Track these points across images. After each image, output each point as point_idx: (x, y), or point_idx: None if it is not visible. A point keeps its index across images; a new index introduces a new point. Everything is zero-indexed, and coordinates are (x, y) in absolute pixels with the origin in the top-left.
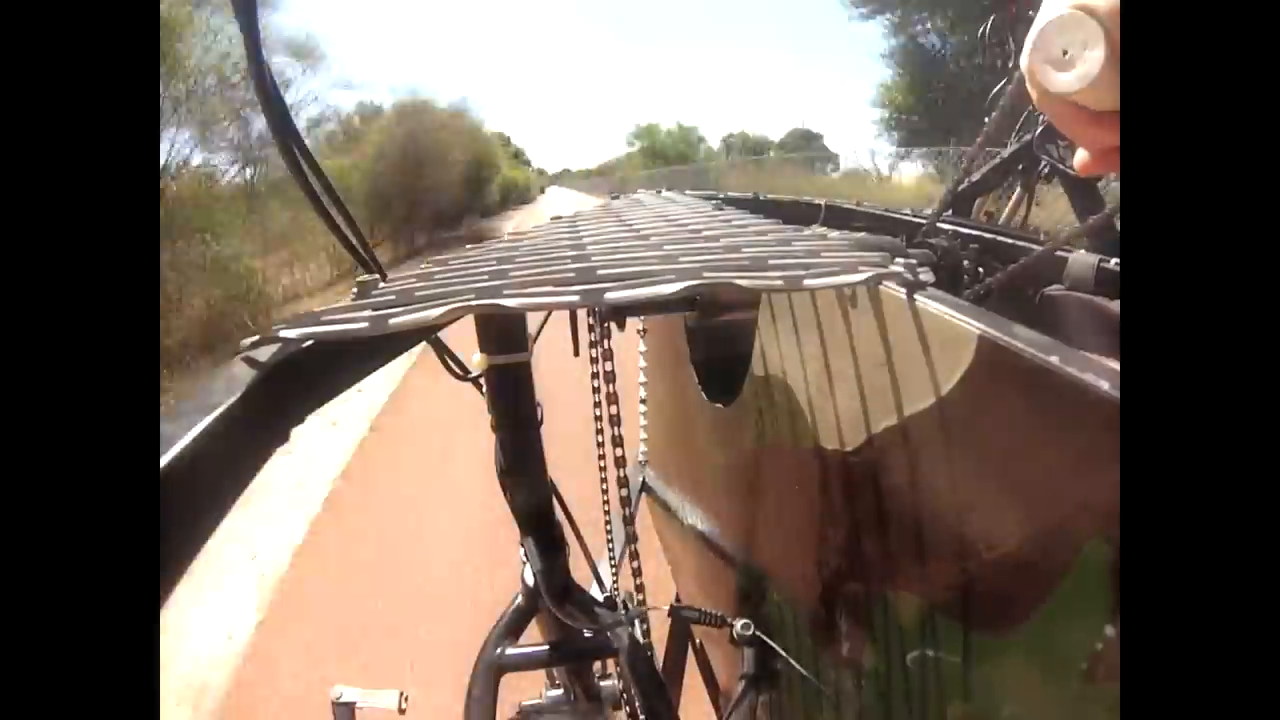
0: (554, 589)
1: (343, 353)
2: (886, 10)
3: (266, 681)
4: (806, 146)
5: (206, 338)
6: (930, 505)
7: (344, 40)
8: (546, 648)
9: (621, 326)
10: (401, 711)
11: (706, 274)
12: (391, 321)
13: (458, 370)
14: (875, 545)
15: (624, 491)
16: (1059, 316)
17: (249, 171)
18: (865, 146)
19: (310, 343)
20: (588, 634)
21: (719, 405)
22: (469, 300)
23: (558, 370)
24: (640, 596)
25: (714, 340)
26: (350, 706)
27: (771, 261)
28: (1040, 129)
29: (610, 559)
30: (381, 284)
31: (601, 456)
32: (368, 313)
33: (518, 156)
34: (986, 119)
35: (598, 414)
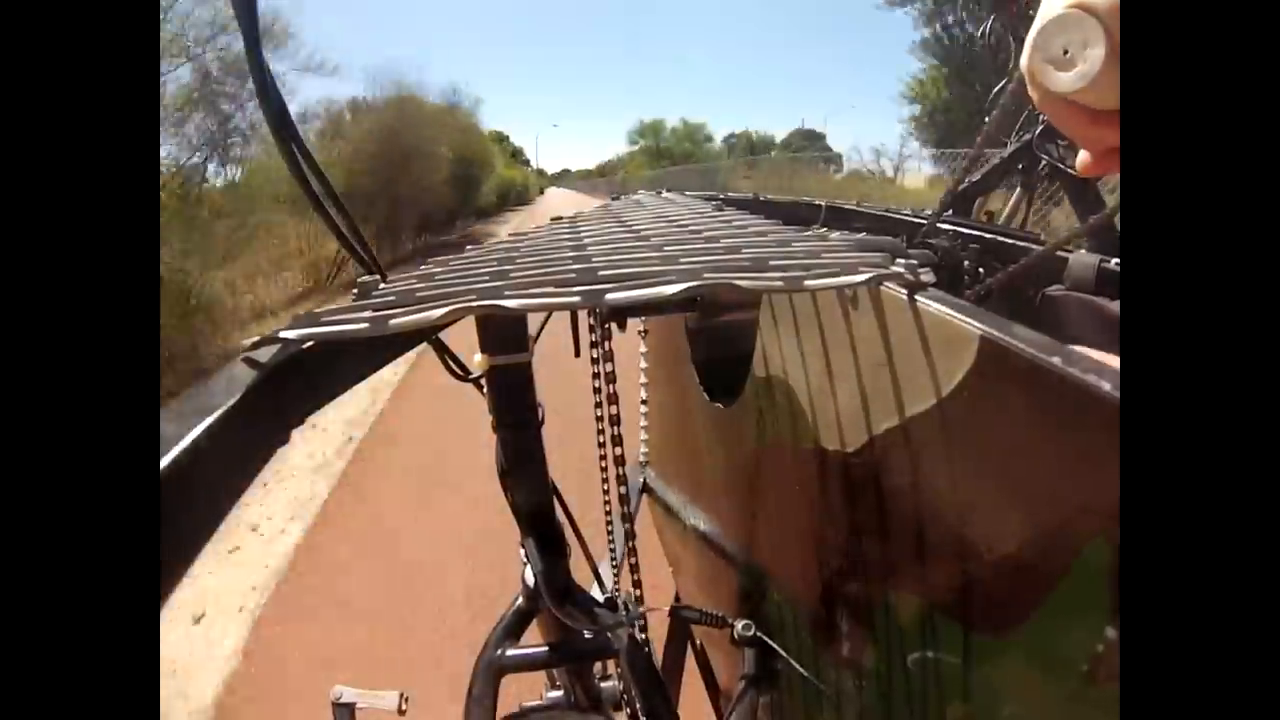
0: (554, 590)
1: (343, 353)
2: None
3: None
4: (810, 146)
5: None
6: (931, 506)
7: (319, 22)
8: (547, 648)
9: (622, 327)
10: (401, 712)
11: (707, 275)
12: (392, 322)
13: (459, 371)
14: (876, 546)
15: (624, 492)
16: (1060, 317)
17: (210, 167)
18: (869, 145)
19: (310, 343)
20: (588, 635)
21: (720, 406)
22: (470, 301)
23: (558, 371)
24: (640, 595)
25: (715, 341)
26: (350, 707)
27: (772, 262)
28: (1040, 129)
29: (611, 560)
30: (382, 285)
31: (602, 457)
32: (368, 314)
33: (516, 156)
34: (987, 118)
35: (598, 414)
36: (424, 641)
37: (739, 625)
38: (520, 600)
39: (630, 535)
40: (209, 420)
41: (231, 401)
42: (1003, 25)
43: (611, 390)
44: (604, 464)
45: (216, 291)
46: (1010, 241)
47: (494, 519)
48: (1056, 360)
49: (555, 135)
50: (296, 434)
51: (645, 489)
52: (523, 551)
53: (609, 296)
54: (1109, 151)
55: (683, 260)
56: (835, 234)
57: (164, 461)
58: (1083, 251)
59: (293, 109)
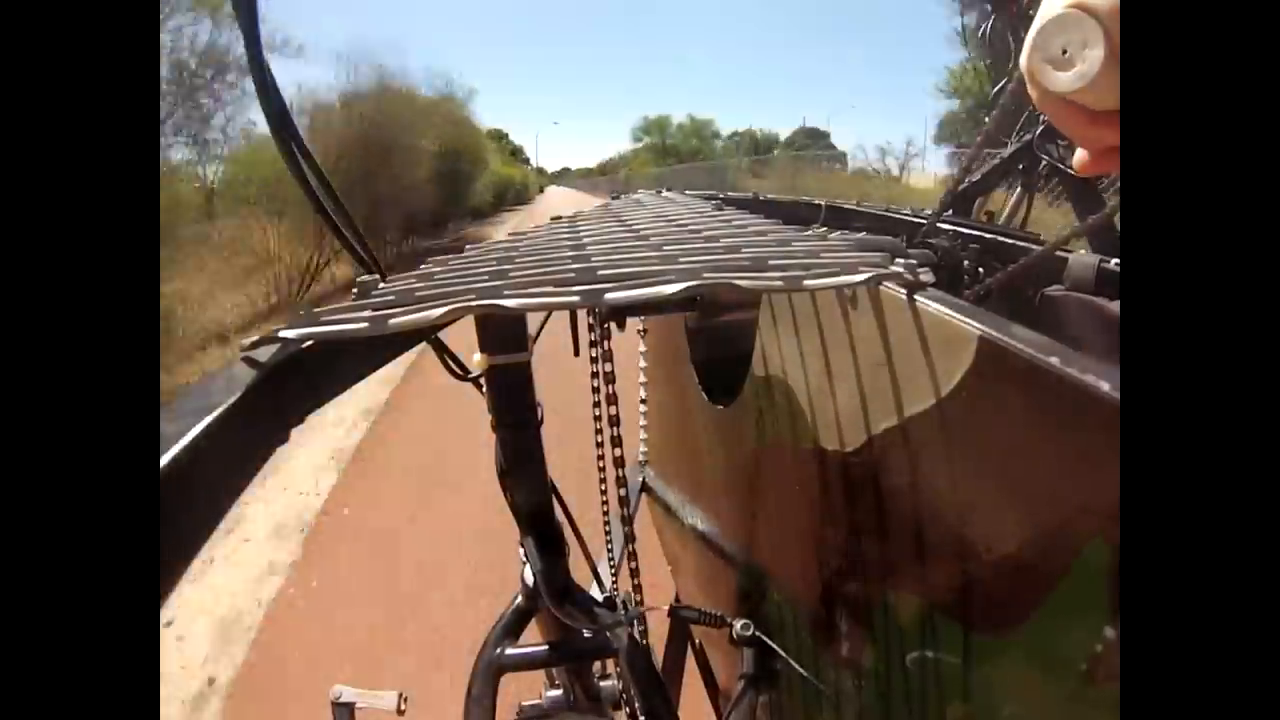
0: (554, 589)
1: (343, 352)
2: None
3: None
4: (813, 145)
5: None
6: (930, 506)
7: (313, 20)
8: (546, 648)
9: (622, 327)
10: (400, 712)
11: (706, 274)
12: (391, 322)
13: (458, 370)
14: (875, 545)
15: (623, 491)
16: (1059, 317)
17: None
18: (873, 144)
19: (310, 343)
20: (587, 634)
21: (719, 405)
22: (469, 300)
23: (557, 371)
24: (639, 596)
25: (714, 340)
26: (350, 707)
27: (771, 262)
28: (1040, 129)
29: (610, 559)
30: (381, 284)
31: (601, 456)
32: (368, 313)
33: (516, 154)
34: (988, 118)
35: (597, 414)
36: None
37: (738, 625)
38: (519, 599)
39: (629, 535)
40: (209, 419)
41: (231, 401)
42: (1003, 25)
43: (611, 390)
44: (603, 463)
45: (167, 307)
46: (1010, 241)
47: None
48: (1055, 360)
49: (555, 134)
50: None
51: (644, 488)
52: (522, 551)
53: (608, 296)
54: (1108, 151)
55: (682, 260)
56: (835, 234)
57: (163, 460)
58: (1082, 251)
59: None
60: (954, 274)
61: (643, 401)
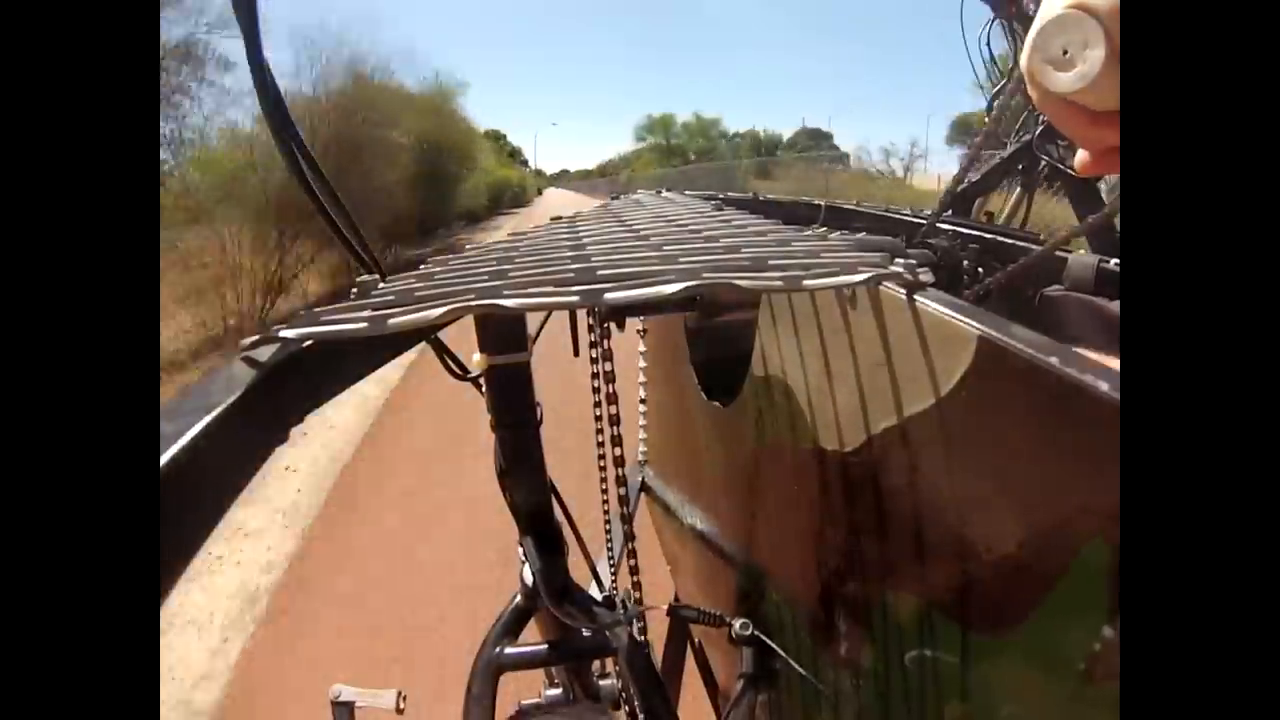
0: (553, 588)
1: (342, 352)
2: None
3: None
4: (816, 146)
5: None
6: (929, 505)
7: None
8: (545, 647)
9: (621, 327)
10: (400, 711)
11: (706, 274)
12: (391, 322)
13: (457, 370)
14: (874, 545)
15: (623, 491)
16: (1058, 317)
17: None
18: (877, 145)
19: (309, 343)
20: (587, 633)
21: (718, 405)
22: (469, 300)
23: (556, 371)
24: (639, 594)
25: (714, 340)
26: (349, 706)
27: (771, 262)
28: (1040, 129)
29: (609, 559)
30: (381, 284)
31: (601, 456)
32: (367, 313)
33: (514, 156)
34: (988, 119)
35: (597, 414)
36: None
37: (737, 624)
38: (519, 599)
39: (629, 534)
40: (208, 419)
41: (230, 400)
42: (1003, 25)
43: (610, 390)
44: (603, 463)
45: None
46: (1010, 241)
47: None
48: (1055, 360)
49: (554, 136)
50: None
51: (644, 488)
52: (521, 550)
53: (608, 296)
54: (1108, 151)
55: (682, 260)
56: (834, 234)
57: (163, 460)
58: (1082, 252)
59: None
60: (953, 274)
61: (642, 401)
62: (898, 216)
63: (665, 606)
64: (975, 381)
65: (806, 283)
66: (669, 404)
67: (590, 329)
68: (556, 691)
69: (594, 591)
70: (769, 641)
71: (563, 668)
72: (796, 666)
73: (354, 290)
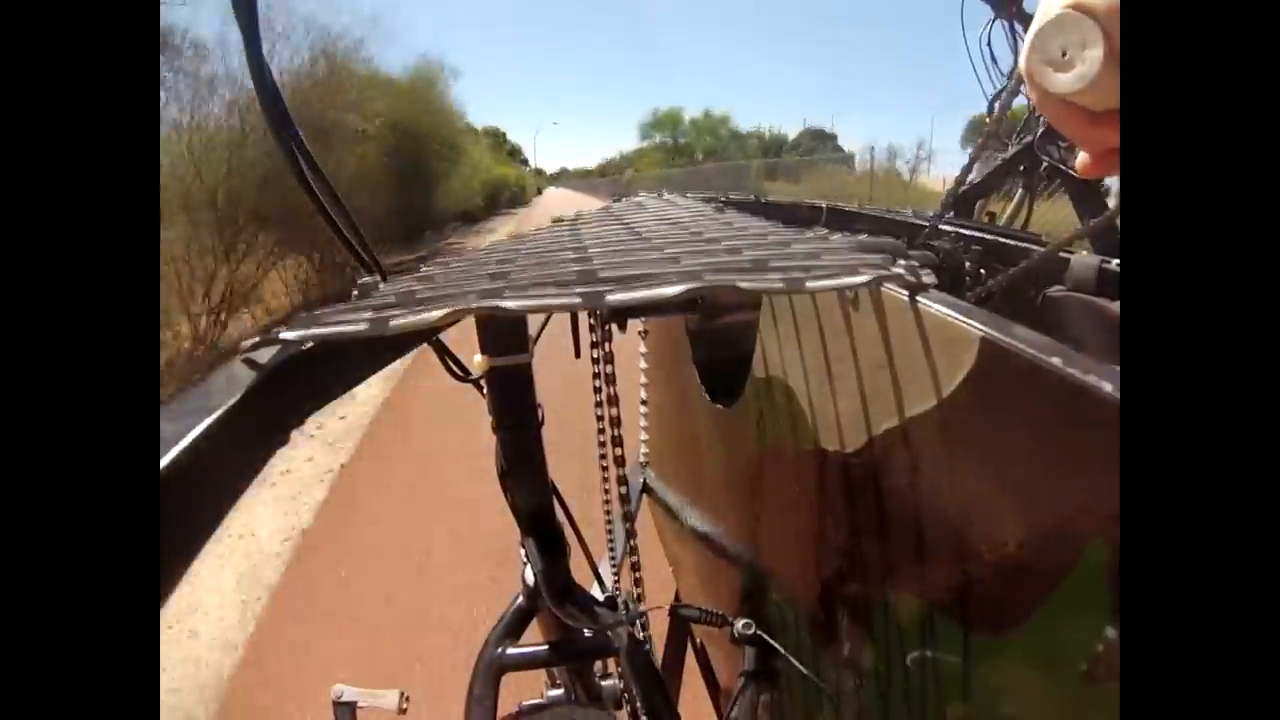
0: (555, 589)
1: (343, 354)
2: None
3: None
4: (820, 146)
5: None
6: (931, 506)
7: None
8: (547, 647)
9: (623, 328)
10: (402, 711)
11: (707, 276)
12: (392, 323)
13: (459, 372)
14: (876, 546)
15: (624, 492)
16: (1061, 318)
17: None
18: (883, 145)
19: (310, 344)
20: (588, 634)
21: (720, 406)
22: (470, 302)
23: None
24: (640, 594)
25: (715, 342)
26: (351, 706)
27: (773, 263)
28: (1041, 130)
29: (611, 559)
30: (382, 285)
31: (603, 457)
32: (368, 314)
33: (513, 155)
34: (989, 119)
35: (599, 414)
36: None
37: (739, 624)
38: (520, 599)
39: (630, 535)
40: (209, 420)
41: (231, 401)
42: (1004, 25)
43: (612, 391)
44: (604, 464)
45: None
46: (1012, 243)
47: None
48: (1057, 361)
49: (554, 136)
50: None
51: (645, 489)
52: (523, 551)
53: (609, 298)
54: (1108, 152)
55: (683, 261)
56: (836, 235)
57: (164, 461)
58: (1084, 253)
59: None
60: (956, 275)
61: (643, 403)
62: (899, 218)
63: (667, 607)
64: (977, 383)
65: (808, 284)
66: (670, 405)
67: (591, 330)
68: (558, 692)
69: (596, 592)
70: (771, 641)
71: (564, 668)
72: (798, 666)
73: (355, 291)
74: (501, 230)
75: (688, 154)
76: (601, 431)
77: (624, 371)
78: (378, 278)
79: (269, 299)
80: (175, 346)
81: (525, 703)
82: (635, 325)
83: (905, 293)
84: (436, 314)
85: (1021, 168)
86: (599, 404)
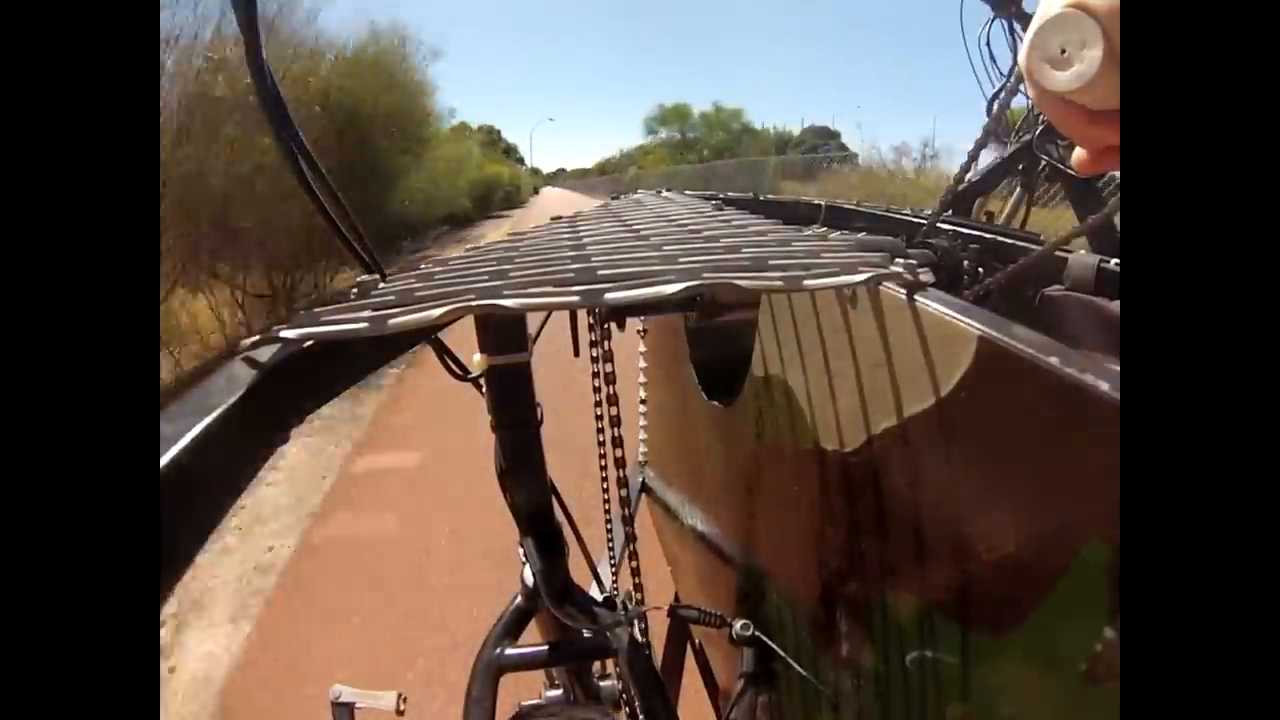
0: (554, 589)
1: (343, 352)
2: None
3: None
4: (824, 144)
5: None
6: (929, 506)
7: None
8: (546, 648)
9: (622, 327)
10: (400, 713)
11: (706, 274)
12: (391, 322)
13: (458, 370)
14: (874, 546)
15: (624, 492)
16: (1059, 317)
17: None
18: (888, 144)
19: (310, 343)
20: (587, 634)
21: (719, 405)
22: (469, 301)
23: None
24: (639, 595)
25: (714, 340)
26: (349, 707)
27: (771, 262)
28: (1040, 129)
29: (610, 559)
30: (381, 284)
31: (602, 457)
32: (368, 313)
33: (509, 153)
34: (988, 118)
35: (598, 414)
36: None
37: (738, 624)
38: (519, 599)
39: (630, 535)
40: (209, 419)
41: (231, 401)
42: (1004, 24)
43: (611, 390)
44: (603, 464)
45: None
46: (1010, 241)
47: None
48: (1055, 360)
49: (552, 135)
50: None
51: (644, 489)
52: (521, 551)
53: (608, 296)
54: (1106, 150)
55: (682, 260)
56: (835, 234)
57: (164, 461)
58: (1082, 252)
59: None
60: (954, 274)
61: (642, 402)
62: (898, 216)
63: (666, 607)
64: (975, 381)
65: (807, 283)
66: (669, 404)
67: (591, 329)
68: (557, 692)
69: (595, 592)
70: (769, 642)
71: (563, 669)
72: (797, 667)
73: (354, 290)
74: (493, 236)
75: (695, 150)
76: (600, 431)
77: (623, 371)
78: (377, 276)
79: (188, 317)
80: None
81: (524, 703)
82: (634, 324)
83: (903, 291)
84: (436, 313)
85: (1020, 166)
86: (598, 403)
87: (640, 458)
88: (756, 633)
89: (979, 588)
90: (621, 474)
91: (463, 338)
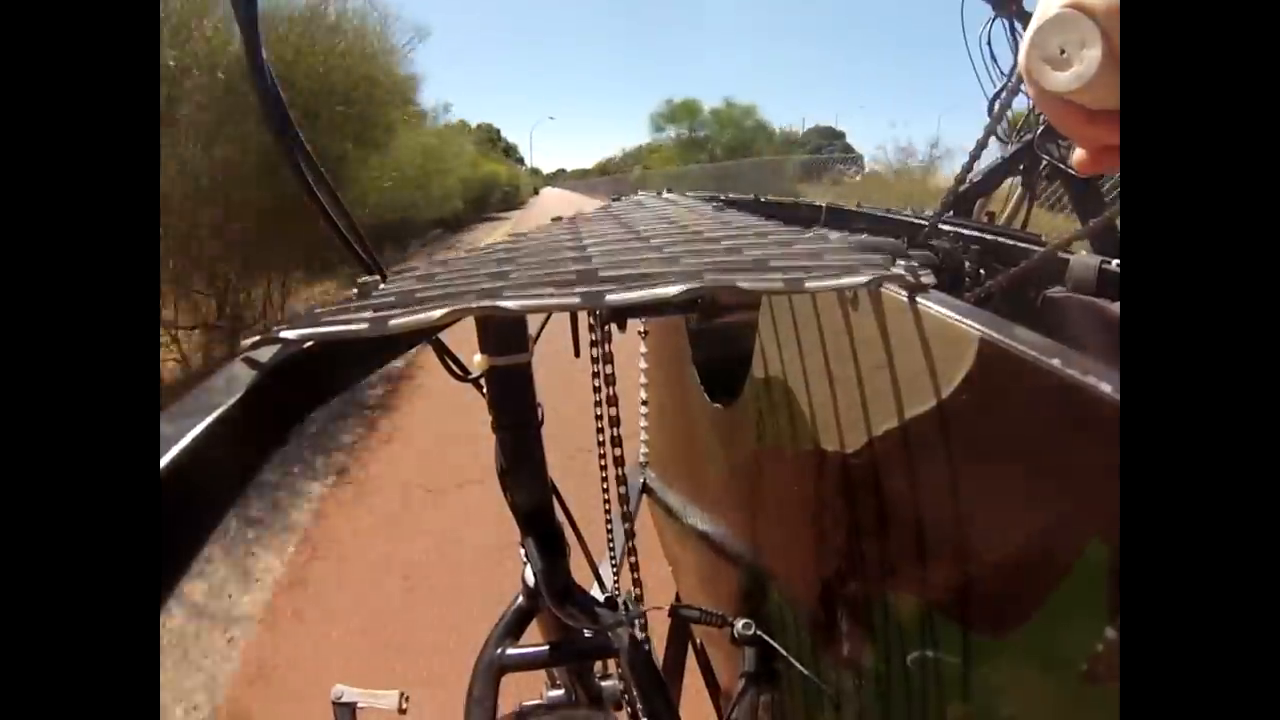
0: (555, 589)
1: (342, 353)
2: None
3: None
4: (829, 145)
5: None
6: (931, 507)
7: None
8: (547, 648)
9: (622, 328)
10: (402, 712)
11: (707, 276)
12: (392, 323)
13: (458, 371)
14: (875, 546)
15: (624, 492)
16: (1060, 318)
17: None
18: (894, 145)
19: (310, 344)
20: (588, 634)
21: (720, 406)
22: (470, 302)
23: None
24: (640, 595)
25: (715, 341)
26: (351, 707)
27: (773, 263)
28: (1041, 129)
29: (611, 559)
30: (382, 285)
31: (602, 457)
32: (368, 314)
33: (508, 153)
34: (990, 118)
35: (598, 414)
36: None
37: (739, 624)
38: (520, 599)
39: (630, 535)
40: (208, 420)
41: (231, 401)
42: (1004, 24)
43: (611, 392)
44: (604, 465)
45: None
46: (1011, 243)
47: None
48: (1056, 362)
49: (553, 136)
50: None
51: (645, 490)
52: (522, 551)
53: (609, 298)
54: (1105, 149)
55: (683, 261)
56: (836, 235)
57: (164, 461)
58: (1084, 253)
59: None
60: (955, 275)
61: (643, 403)
62: (899, 218)
63: (667, 607)
64: (977, 383)
65: (808, 284)
66: (670, 405)
67: (591, 330)
68: (558, 692)
69: (596, 592)
70: (771, 641)
71: (564, 668)
72: (798, 666)
73: (354, 290)
74: (489, 239)
75: (707, 149)
76: (600, 432)
77: (623, 371)
78: (377, 277)
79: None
80: None
81: (525, 703)
82: (635, 325)
83: (905, 293)
84: (436, 313)
85: (1021, 167)
86: (598, 404)
87: (641, 459)
88: (758, 632)
89: (980, 588)
90: (622, 475)
91: (463, 338)
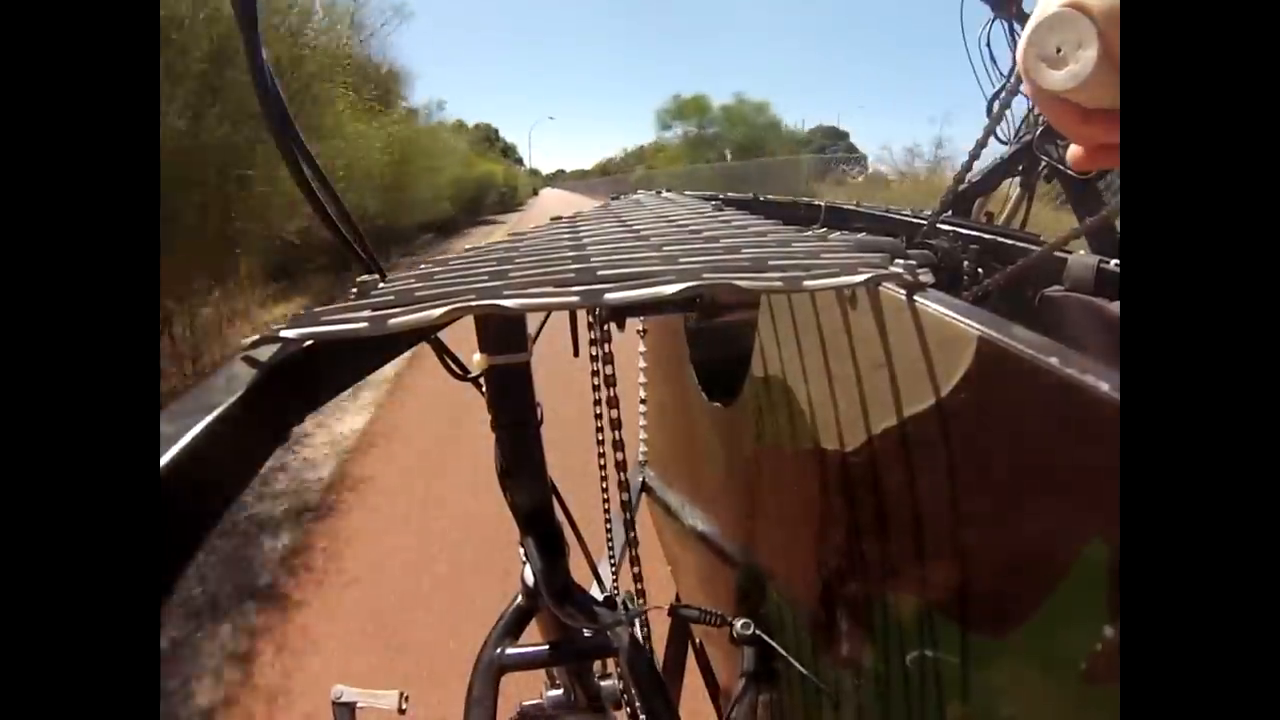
0: (554, 589)
1: (342, 352)
2: None
3: None
4: (833, 145)
5: None
6: (929, 506)
7: None
8: (547, 648)
9: (621, 327)
10: (401, 712)
11: (706, 275)
12: (391, 322)
13: (457, 370)
14: (875, 545)
15: (624, 492)
16: (1059, 317)
17: None
18: (899, 145)
19: (310, 342)
20: (588, 634)
21: (719, 406)
22: (469, 301)
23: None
24: (640, 589)
25: (714, 341)
26: (350, 707)
27: (771, 262)
28: (1040, 129)
29: (610, 559)
30: (381, 284)
31: (601, 456)
32: (367, 313)
33: (507, 154)
34: (988, 118)
35: (597, 414)
36: None
37: (738, 624)
38: (520, 599)
39: (630, 534)
40: (208, 419)
41: (231, 400)
42: (1004, 25)
43: (611, 392)
44: (603, 464)
45: None
46: (1010, 242)
47: None
48: (1055, 361)
49: (553, 136)
50: None
51: (644, 489)
52: (522, 550)
53: (608, 296)
54: (1102, 148)
55: (682, 260)
56: (834, 234)
57: (164, 461)
58: (1082, 252)
59: None
60: (954, 275)
61: (643, 402)
62: (898, 217)
63: (666, 607)
64: (975, 382)
65: (806, 283)
66: (670, 405)
67: (590, 329)
68: (558, 692)
69: (595, 592)
70: (770, 641)
71: (564, 668)
72: (798, 666)
73: (354, 289)
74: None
75: (716, 148)
76: (600, 431)
77: (623, 371)
78: (376, 276)
79: None
80: None
81: (525, 703)
82: (634, 324)
83: (903, 292)
84: (435, 312)
85: (1020, 166)
86: (597, 402)
87: (640, 458)
88: (757, 632)
89: (979, 588)
90: (622, 475)
91: (462, 338)
